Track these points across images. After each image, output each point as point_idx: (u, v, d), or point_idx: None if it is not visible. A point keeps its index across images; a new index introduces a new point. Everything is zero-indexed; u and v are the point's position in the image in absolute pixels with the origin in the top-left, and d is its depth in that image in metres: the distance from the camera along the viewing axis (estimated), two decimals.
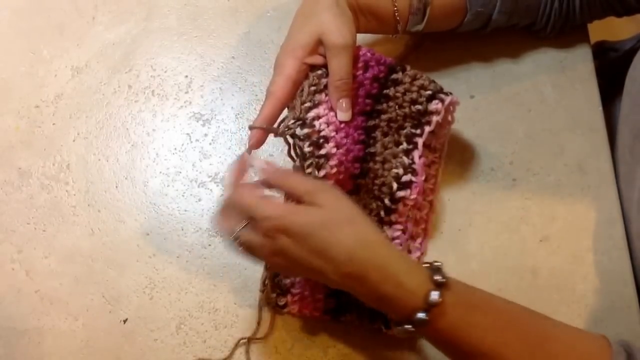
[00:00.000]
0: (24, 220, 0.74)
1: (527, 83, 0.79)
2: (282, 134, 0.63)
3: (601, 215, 0.72)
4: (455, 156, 0.75)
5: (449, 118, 0.70)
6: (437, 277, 0.54)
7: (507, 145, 0.76)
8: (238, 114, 0.78)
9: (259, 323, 0.68)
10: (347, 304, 0.66)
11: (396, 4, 0.69)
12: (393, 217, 0.66)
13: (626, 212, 0.72)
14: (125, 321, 0.69)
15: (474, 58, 0.80)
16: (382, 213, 0.66)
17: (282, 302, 0.67)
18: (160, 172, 0.76)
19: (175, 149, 0.77)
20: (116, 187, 0.75)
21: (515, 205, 0.73)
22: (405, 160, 0.65)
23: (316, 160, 0.63)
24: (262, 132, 0.63)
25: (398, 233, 0.67)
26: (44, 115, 0.79)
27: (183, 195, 0.75)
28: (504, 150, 0.76)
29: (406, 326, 0.55)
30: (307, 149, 0.63)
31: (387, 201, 0.66)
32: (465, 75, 0.79)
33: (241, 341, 0.68)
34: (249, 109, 0.79)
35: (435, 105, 0.66)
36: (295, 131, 0.63)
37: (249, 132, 0.64)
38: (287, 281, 0.67)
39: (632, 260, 0.70)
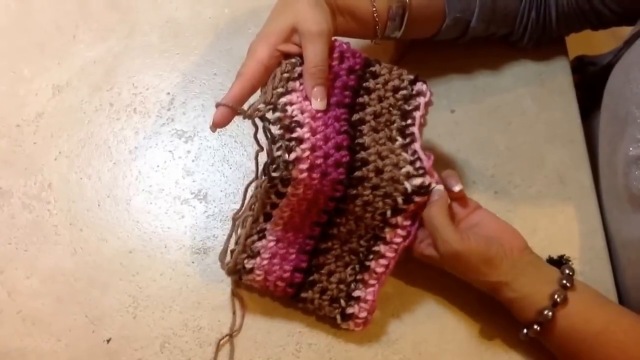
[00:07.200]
0: (5, 240, 0.73)
1: (507, 96, 0.80)
2: (250, 116, 0.61)
3: (582, 226, 0.73)
4: (437, 170, 0.75)
5: (422, 121, 0.68)
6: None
7: (488, 158, 0.77)
8: (220, 131, 0.77)
9: (234, 313, 0.69)
10: (313, 281, 0.66)
11: (375, 4, 0.68)
12: (399, 219, 0.63)
13: (608, 223, 0.73)
14: (108, 341, 0.69)
15: (454, 73, 0.81)
16: (388, 213, 0.63)
17: (249, 264, 0.66)
18: (143, 190, 0.76)
19: (158, 166, 0.77)
20: (98, 205, 0.75)
21: None
22: (407, 156, 0.63)
23: (286, 143, 0.60)
24: (228, 110, 0.61)
25: (400, 239, 0.64)
26: (24, 134, 0.79)
27: (166, 213, 0.74)
28: (485, 163, 0.76)
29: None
30: (277, 132, 0.61)
31: (400, 200, 0.62)
32: (446, 90, 0.80)
33: (221, 341, 0.68)
34: (231, 125, 0.77)
35: (420, 86, 0.65)
36: (265, 114, 0.61)
37: (215, 109, 0.62)
38: (259, 244, 0.65)
39: (616, 269, 0.71)
